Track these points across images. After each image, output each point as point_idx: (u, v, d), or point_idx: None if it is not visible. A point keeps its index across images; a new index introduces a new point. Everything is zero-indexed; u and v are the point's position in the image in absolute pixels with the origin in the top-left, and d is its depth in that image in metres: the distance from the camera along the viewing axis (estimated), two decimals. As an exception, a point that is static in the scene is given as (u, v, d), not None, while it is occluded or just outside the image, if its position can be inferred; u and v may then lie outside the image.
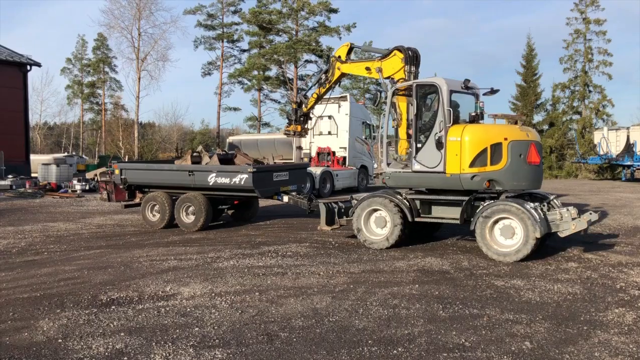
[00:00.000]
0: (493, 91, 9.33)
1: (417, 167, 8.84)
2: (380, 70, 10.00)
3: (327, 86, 11.62)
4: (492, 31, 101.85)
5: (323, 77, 11.70)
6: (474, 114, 8.82)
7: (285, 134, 12.94)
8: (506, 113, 9.37)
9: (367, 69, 10.45)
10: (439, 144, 8.53)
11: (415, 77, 9.70)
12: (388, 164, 9.36)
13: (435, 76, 9.09)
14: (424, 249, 9.10)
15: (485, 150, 8.25)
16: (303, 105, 12.32)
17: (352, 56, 11.66)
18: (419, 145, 8.82)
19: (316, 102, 12.15)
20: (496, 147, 8.25)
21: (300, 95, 12.77)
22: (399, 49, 9.88)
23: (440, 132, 8.51)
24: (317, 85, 12.07)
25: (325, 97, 12.19)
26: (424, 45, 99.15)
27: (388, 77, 9.97)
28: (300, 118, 12.39)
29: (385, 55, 10.10)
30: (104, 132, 58.55)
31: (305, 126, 12.72)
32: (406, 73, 9.67)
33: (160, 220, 11.64)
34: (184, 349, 4.61)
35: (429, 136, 8.76)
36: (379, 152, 9.93)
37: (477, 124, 8.80)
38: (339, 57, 11.16)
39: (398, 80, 9.77)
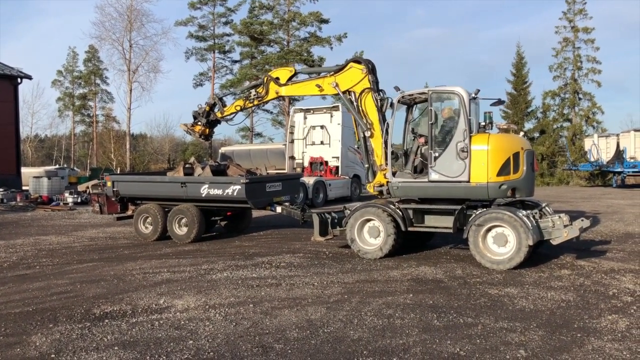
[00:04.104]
0: (500, 102, 9.39)
1: (434, 176, 8.64)
2: (336, 84, 9.85)
3: (256, 102, 11.16)
4: (484, 40, 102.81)
5: (253, 92, 11.10)
6: (483, 123, 8.79)
7: (187, 131, 12.04)
8: (509, 124, 9.42)
9: (318, 86, 10.23)
10: (463, 153, 8.38)
11: (377, 85, 9.67)
12: (394, 174, 9.19)
13: (451, 86, 8.81)
14: (418, 258, 9.11)
15: (509, 159, 8.30)
16: (217, 110, 11.66)
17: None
18: (436, 154, 8.62)
19: (235, 114, 11.55)
20: (517, 156, 8.36)
21: (216, 97, 12.02)
22: (356, 60, 9.85)
23: (463, 140, 8.37)
24: (242, 97, 11.42)
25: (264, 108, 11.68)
26: (418, 55, 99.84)
27: (346, 91, 9.86)
28: (211, 121, 11.75)
29: (338, 70, 9.95)
30: (95, 144, 58.36)
31: (213, 132, 11.96)
32: (371, 82, 9.61)
33: (152, 233, 11.60)
34: (178, 362, 4.58)
35: (445, 145, 8.59)
36: (370, 161, 9.80)
37: (499, 134, 8.83)
38: (277, 78, 10.72)
39: (363, 91, 9.63)
